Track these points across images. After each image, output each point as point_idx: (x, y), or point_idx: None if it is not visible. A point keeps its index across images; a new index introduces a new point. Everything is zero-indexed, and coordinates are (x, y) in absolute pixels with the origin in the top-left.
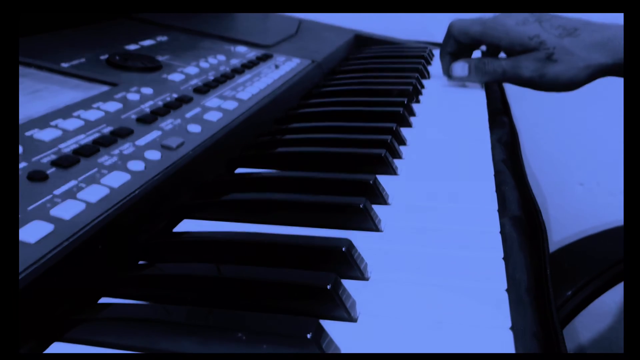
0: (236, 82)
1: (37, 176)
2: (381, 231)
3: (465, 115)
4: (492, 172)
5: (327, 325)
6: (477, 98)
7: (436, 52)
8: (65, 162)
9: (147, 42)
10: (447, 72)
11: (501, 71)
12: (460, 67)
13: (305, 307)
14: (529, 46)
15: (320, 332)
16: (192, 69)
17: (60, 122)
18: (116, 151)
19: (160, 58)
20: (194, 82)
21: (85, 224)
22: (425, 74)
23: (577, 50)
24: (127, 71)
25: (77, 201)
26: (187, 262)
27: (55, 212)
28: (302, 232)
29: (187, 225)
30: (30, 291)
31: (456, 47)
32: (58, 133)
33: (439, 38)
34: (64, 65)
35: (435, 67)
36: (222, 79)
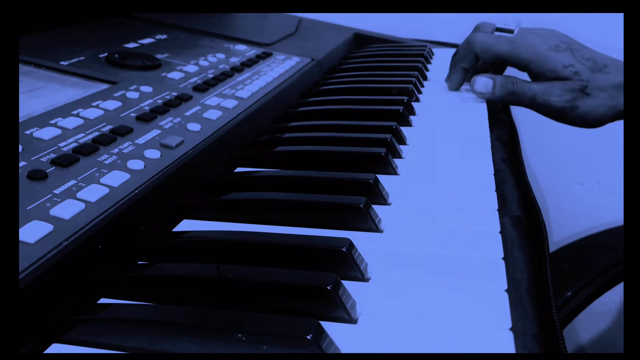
0: (236, 80)
1: (37, 175)
2: (381, 231)
3: (465, 114)
4: (492, 171)
5: (327, 325)
6: (477, 97)
7: (436, 51)
8: (65, 161)
9: (147, 41)
10: (457, 87)
11: (531, 95)
12: (483, 83)
13: (305, 307)
14: (562, 74)
15: (321, 333)
16: (191, 67)
17: (59, 120)
18: (115, 150)
19: (159, 56)
20: (194, 80)
21: (85, 223)
22: (425, 73)
23: (608, 88)
24: (127, 69)
25: (76, 201)
26: (187, 262)
27: (54, 211)
28: (302, 232)
29: (186, 225)
30: (30, 291)
31: (474, 63)
32: (57, 132)
33: (439, 37)
34: (64, 63)
35: (435, 66)
36: (222, 78)
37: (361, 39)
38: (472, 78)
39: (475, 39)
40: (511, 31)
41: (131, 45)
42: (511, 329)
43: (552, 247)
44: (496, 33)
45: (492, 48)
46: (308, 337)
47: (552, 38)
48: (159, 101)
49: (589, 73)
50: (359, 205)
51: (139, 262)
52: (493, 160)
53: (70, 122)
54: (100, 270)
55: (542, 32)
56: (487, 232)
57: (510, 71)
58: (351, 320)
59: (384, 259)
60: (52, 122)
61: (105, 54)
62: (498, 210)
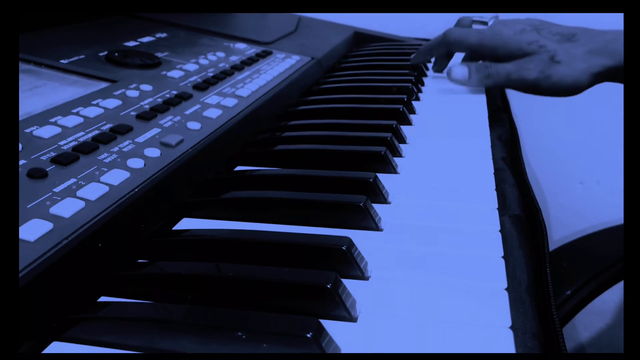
0: (235, 79)
1: (37, 174)
2: (381, 230)
3: (465, 112)
4: (492, 170)
5: (327, 324)
6: (477, 95)
7: None
8: (65, 160)
9: (146, 39)
10: (416, 62)
11: (505, 74)
12: (459, 71)
13: (305, 306)
14: (528, 50)
15: (320, 332)
16: (191, 66)
17: (59, 119)
18: (115, 148)
19: (159, 55)
20: (193, 79)
21: (85, 222)
22: (425, 72)
23: (579, 53)
24: (126, 68)
25: (76, 199)
26: (187, 260)
27: (54, 210)
28: (302, 231)
29: (186, 224)
30: (30, 290)
31: (445, 53)
32: (57, 130)
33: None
34: (63, 61)
35: None
36: (222, 76)
37: (361, 38)
38: (448, 68)
39: (451, 33)
40: (485, 23)
41: (131, 43)
42: (511, 328)
43: (552, 246)
44: (473, 25)
45: (463, 40)
46: (308, 335)
47: (519, 24)
48: (159, 100)
49: (556, 44)
50: (359, 204)
51: (139, 261)
52: (493, 159)
53: (70, 121)
54: (100, 269)
55: (512, 21)
56: (487, 231)
57: None
58: (351, 318)
59: (384, 257)
60: (52, 120)
61: (105, 53)
62: (498, 209)
